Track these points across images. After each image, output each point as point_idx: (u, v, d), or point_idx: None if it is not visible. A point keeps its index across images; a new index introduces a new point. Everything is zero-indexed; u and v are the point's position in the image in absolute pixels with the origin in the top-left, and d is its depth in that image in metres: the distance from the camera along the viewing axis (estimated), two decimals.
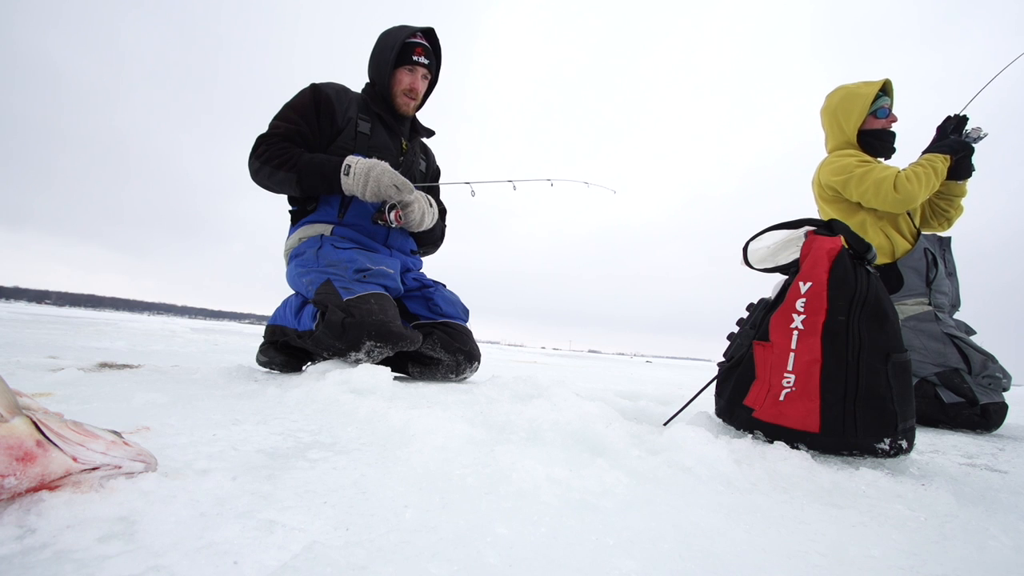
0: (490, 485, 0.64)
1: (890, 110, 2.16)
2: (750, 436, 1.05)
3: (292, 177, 1.62)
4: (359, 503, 0.55)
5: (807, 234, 1.08)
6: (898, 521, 0.66)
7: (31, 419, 0.47)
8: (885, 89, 2.15)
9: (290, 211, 1.87)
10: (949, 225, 2.28)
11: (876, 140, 2.15)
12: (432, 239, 2.04)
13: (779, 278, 1.16)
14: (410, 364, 1.78)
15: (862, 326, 0.97)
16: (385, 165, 1.63)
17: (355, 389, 1.14)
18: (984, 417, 1.81)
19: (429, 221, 1.83)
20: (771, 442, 0.98)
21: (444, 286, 1.95)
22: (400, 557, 0.43)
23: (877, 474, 0.83)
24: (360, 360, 1.49)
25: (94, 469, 0.49)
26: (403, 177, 1.65)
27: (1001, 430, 1.91)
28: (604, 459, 0.81)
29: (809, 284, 1.00)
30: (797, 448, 0.96)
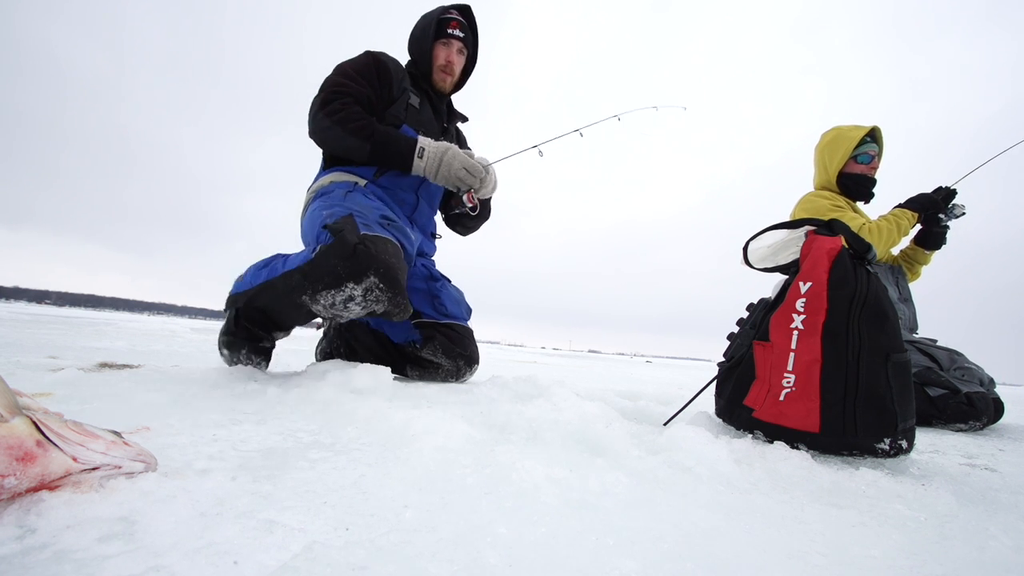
0: (490, 485, 0.64)
1: (874, 157, 2.25)
2: (750, 436, 1.05)
3: (365, 147, 1.57)
4: (359, 503, 0.55)
5: (807, 234, 1.08)
6: (898, 521, 0.66)
7: (31, 419, 0.47)
8: (874, 135, 2.25)
9: (324, 155, 1.80)
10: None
11: (854, 184, 2.25)
12: (484, 216, 2.00)
13: (779, 278, 1.16)
14: (409, 367, 1.77)
15: (862, 326, 0.97)
16: (456, 150, 1.62)
17: (355, 389, 1.14)
18: (972, 406, 1.81)
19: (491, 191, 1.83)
20: (771, 442, 0.98)
21: (449, 281, 1.92)
22: (400, 557, 0.43)
23: (877, 474, 0.83)
24: (352, 298, 1.28)
25: (94, 469, 0.49)
26: (473, 161, 1.64)
27: (1002, 430, 1.91)
28: (604, 459, 0.81)
29: (809, 284, 1.00)
30: (797, 448, 0.96)
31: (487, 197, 1.84)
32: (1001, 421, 2.01)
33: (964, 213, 2.22)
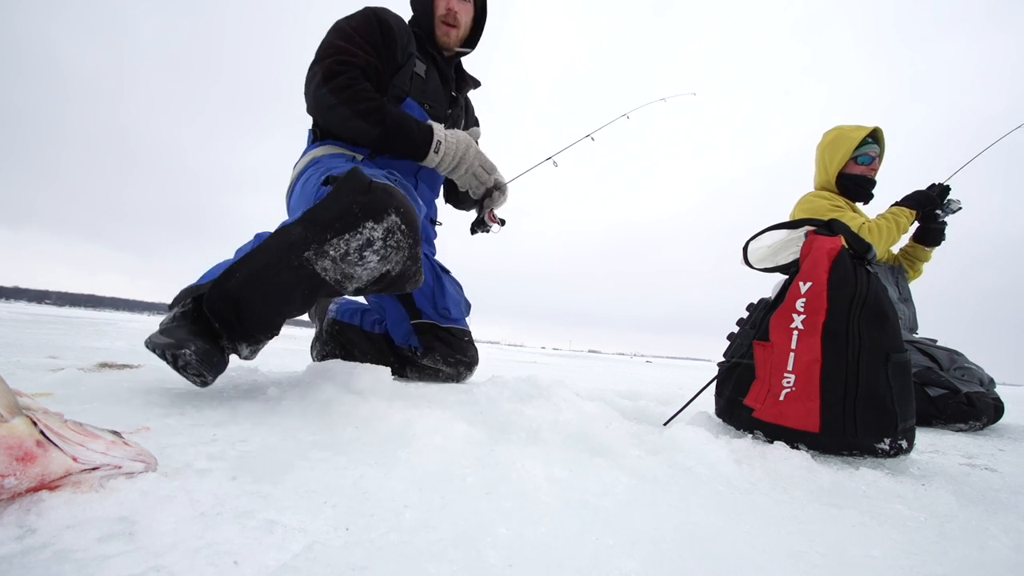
0: (490, 485, 0.64)
1: (875, 158, 2.27)
2: (750, 436, 1.05)
3: (374, 132, 1.38)
4: (359, 503, 0.55)
5: (807, 234, 1.08)
6: (898, 521, 0.66)
7: (31, 419, 0.47)
8: (875, 136, 2.26)
9: (313, 128, 1.60)
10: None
11: (853, 184, 2.26)
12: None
13: (779, 278, 1.16)
14: (408, 370, 1.76)
15: (862, 326, 0.97)
16: (475, 148, 1.51)
17: (355, 389, 1.14)
18: (972, 406, 1.81)
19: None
20: (771, 442, 0.98)
21: (449, 273, 1.88)
22: (400, 557, 0.43)
23: (877, 474, 0.83)
24: (371, 242, 1.04)
25: (94, 469, 0.49)
26: (489, 159, 1.54)
27: (1002, 430, 1.91)
28: (604, 459, 0.81)
29: (809, 284, 1.00)
30: (797, 448, 0.96)
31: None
32: (1001, 421, 2.01)
33: (960, 208, 2.24)
